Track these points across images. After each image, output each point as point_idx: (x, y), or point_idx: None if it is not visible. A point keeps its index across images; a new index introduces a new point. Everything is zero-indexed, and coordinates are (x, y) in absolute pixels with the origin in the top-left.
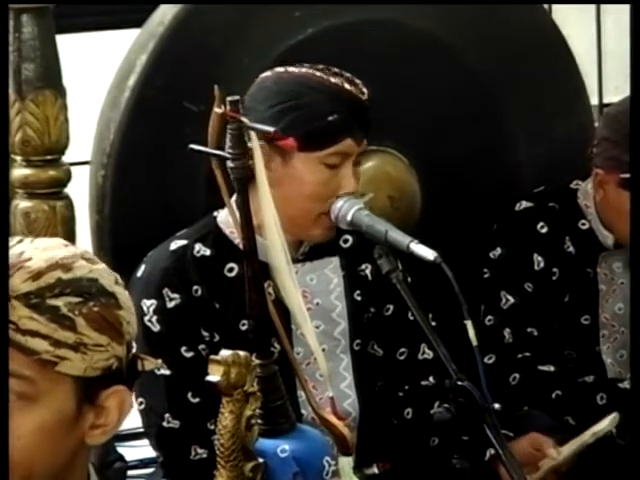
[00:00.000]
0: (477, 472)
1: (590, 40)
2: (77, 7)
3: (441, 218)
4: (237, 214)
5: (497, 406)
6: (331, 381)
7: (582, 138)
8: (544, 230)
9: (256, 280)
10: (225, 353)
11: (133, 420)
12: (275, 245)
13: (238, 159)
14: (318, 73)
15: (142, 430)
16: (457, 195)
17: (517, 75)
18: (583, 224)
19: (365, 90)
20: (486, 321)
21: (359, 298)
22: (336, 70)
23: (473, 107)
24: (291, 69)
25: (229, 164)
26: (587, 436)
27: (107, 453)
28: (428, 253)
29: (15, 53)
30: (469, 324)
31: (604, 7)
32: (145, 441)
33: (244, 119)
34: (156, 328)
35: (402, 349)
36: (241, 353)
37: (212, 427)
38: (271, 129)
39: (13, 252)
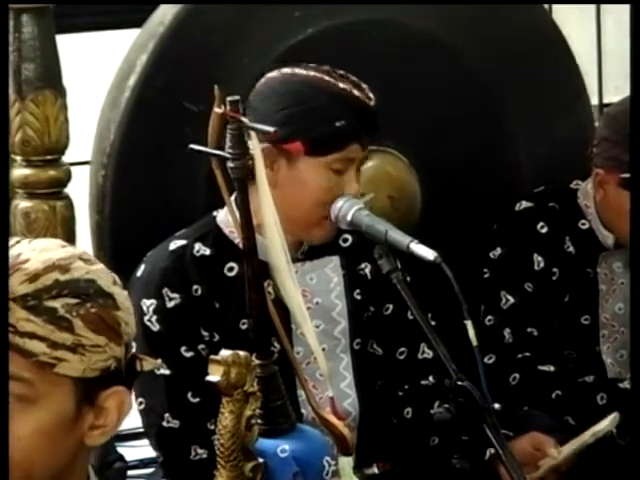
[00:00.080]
0: (477, 472)
1: (590, 40)
2: (77, 7)
3: (441, 218)
4: (237, 214)
5: (497, 406)
6: (331, 380)
7: (582, 138)
8: (544, 230)
9: (256, 279)
10: (225, 353)
11: (133, 420)
12: (275, 244)
13: (238, 159)
14: (326, 77)
15: (142, 430)
16: (457, 195)
17: (517, 75)
18: (583, 224)
19: (372, 95)
20: (486, 321)
21: (359, 297)
22: (342, 73)
23: (473, 107)
24: (298, 70)
25: (229, 164)
26: (587, 436)
27: (107, 453)
28: (428, 253)
29: (15, 53)
30: (469, 324)
31: (604, 7)
32: (145, 441)
33: (244, 119)
34: (156, 328)
35: (402, 348)
36: (241, 353)
37: (212, 427)
38: (271, 129)
39: (11, 253)
